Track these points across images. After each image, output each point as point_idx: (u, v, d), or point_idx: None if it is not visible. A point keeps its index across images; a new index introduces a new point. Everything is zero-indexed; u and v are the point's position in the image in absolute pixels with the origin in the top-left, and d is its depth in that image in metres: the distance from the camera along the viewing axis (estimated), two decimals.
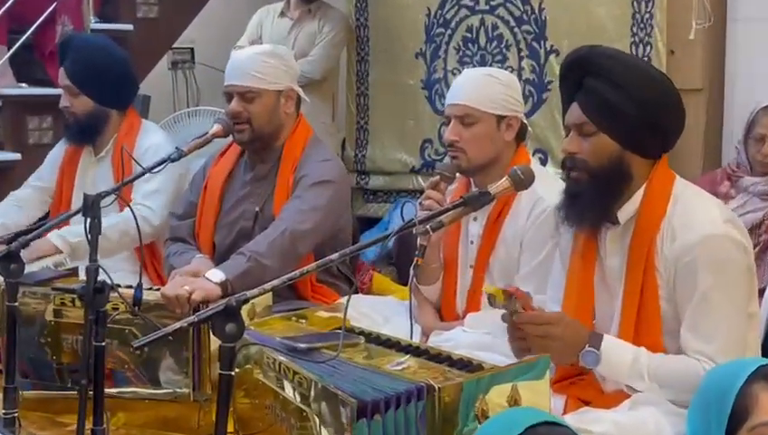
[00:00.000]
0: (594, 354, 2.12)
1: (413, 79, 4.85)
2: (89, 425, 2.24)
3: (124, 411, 2.58)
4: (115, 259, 3.25)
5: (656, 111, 2.19)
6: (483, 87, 2.75)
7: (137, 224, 2.37)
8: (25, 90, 4.47)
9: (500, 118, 2.74)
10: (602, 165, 2.19)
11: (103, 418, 2.25)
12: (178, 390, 2.51)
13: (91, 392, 2.22)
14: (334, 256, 2.02)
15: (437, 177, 2.77)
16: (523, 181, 2.25)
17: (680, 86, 4.04)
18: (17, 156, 4.26)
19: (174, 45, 5.61)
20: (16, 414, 2.55)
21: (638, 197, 2.23)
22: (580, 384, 2.30)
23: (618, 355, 2.14)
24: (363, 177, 5.14)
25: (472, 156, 2.73)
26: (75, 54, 3.47)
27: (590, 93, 2.19)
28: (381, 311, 2.88)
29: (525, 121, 2.82)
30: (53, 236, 3.25)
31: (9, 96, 4.36)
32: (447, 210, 2.16)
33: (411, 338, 2.51)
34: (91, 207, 2.18)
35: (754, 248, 3.53)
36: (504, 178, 2.25)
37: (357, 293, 3.25)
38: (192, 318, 1.91)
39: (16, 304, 2.53)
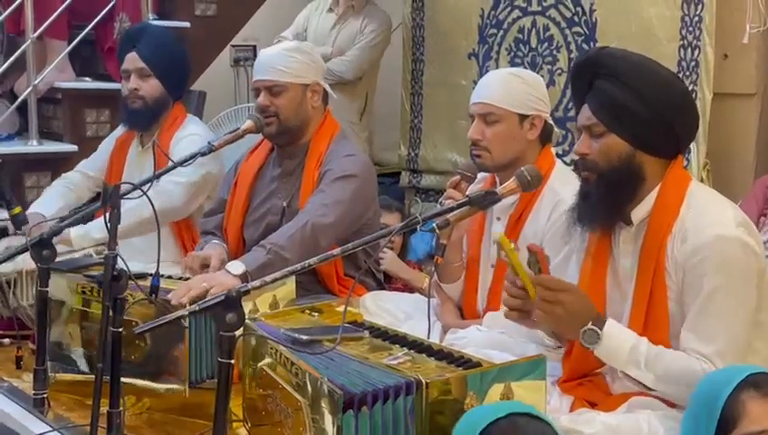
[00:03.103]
0: (595, 333, 2.11)
1: (465, 79, 4.86)
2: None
3: (150, 397, 2.67)
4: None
5: (665, 110, 2.18)
6: (505, 86, 2.76)
7: (153, 209, 2.40)
8: (83, 83, 4.61)
9: (522, 117, 2.75)
10: (612, 165, 2.19)
11: (119, 401, 2.33)
12: (175, 386, 2.57)
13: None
14: (336, 250, 2.06)
15: (458, 176, 2.79)
16: (530, 182, 2.26)
17: (733, 90, 4.10)
18: (74, 147, 4.39)
19: (237, 43, 5.73)
20: (45, 395, 2.66)
21: (651, 198, 2.22)
22: (588, 386, 2.30)
23: (618, 339, 2.13)
24: (416, 175, 5.17)
25: (495, 155, 2.74)
26: (151, 39, 3.56)
27: (599, 94, 2.20)
28: (404, 307, 2.91)
29: (551, 122, 2.82)
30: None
31: (68, 89, 4.50)
32: (452, 209, 2.18)
33: (429, 336, 2.54)
34: (111, 197, 2.25)
35: None
36: (512, 179, 2.27)
37: (382, 288, 3.28)
38: (194, 307, 1.97)
39: (47, 289, 2.64)
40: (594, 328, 2.11)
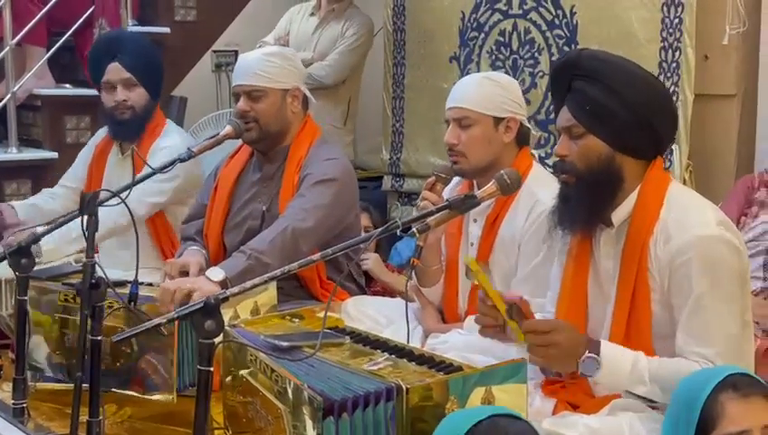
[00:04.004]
0: (594, 361, 2.08)
1: (447, 83, 4.83)
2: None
3: (131, 405, 2.65)
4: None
5: (644, 111, 2.17)
6: (478, 90, 2.77)
7: (131, 214, 2.39)
8: (62, 90, 4.58)
9: (497, 120, 2.75)
10: (591, 166, 2.18)
11: (99, 410, 2.31)
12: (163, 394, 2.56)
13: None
14: (315, 256, 2.05)
15: (433, 178, 2.79)
16: (510, 185, 2.25)
17: (714, 92, 4.11)
18: (54, 155, 4.36)
19: (219, 48, 5.72)
20: (25, 405, 2.62)
21: (632, 199, 2.22)
22: (571, 388, 2.29)
23: (617, 361, 2.10)
24: (398, 179, 5.17)
25: (472, 158, 2.74)
26: (130, 47, 3.53)
27: (578, 95, 2.20)
28: (386, 312, 2.90)
29: (527, 124, 2.82)
30: None
31: (48, 96, 4.48)
32: (432, 213, 2.17)
33: (408, 340, 2.53)
34: (88, 205, 2.23)
35: None
36: (491, 183, 2.26)
37: (364, 293, 3.27)
38: (172, 314, 1.95)
39: (26, 297, 2.61)
40: (592, 355, 2.08)
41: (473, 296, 2.75)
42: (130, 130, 3.52)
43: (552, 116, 4.36)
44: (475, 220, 2.79)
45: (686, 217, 2.16)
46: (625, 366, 2.10)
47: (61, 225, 2.60)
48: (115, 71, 3.49)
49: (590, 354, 2.09)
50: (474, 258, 2.12)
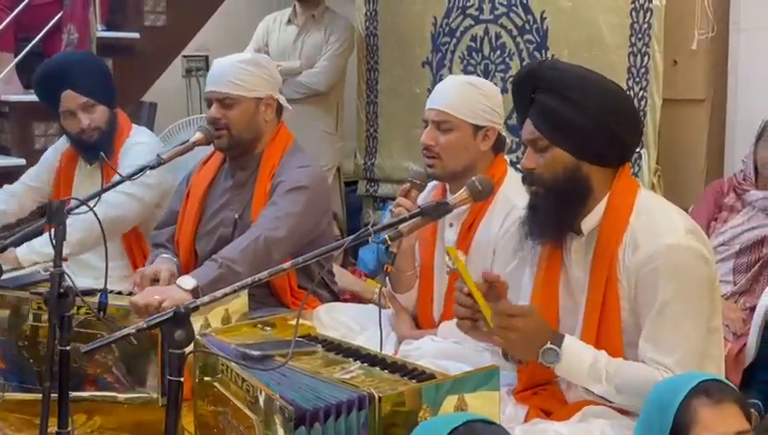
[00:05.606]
0: (554, 352, 2.10)
1: (420, 87, 4.86)
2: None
3: (100, 415, 2.62)
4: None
5: (605, 118, 2.16)
6: (463, 95, 2.74)
7: (100, 224, 2.37)
8: (31, 96, 4.50)
9: (477, 128, 2.74)
10: (558, 177, 2.18)
11: (67, 421, 2.28)
12: (149, 395, 2.53)
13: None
14: (286, 264, 2.03)
15: (408, 184, 2.78)
16: (481, 192, 2.24)
17: (683, 96, 4.14)
18: (22, 161, 4.31)
19: (189, 53, 5.70)
20: None
21: (600, 207, 2.21)
22: (543, 395, 2.29)
23: (577, 356, 2.12)
24: (372, 184, 5.16)
25: (447, 162, 2.73)
26: (78, 69, 3.46)
27: (540, 107, 2.19)
28: (359, 319, 2.88)
29: (503, 133, 2.81)
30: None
31: (16, 102, 4.43)
32: (405, 220, 2.17)
33: (381, 347, 2.52)
34: (56, 214, 2.20)
35: (754, 265, 3.50)
36: (463, 189, 2.25)
37: (337, 299, 3.26)
38: (141, 324, 1.93)
39: None
40: (553, 347, 2.10)
41: (448, 301, 2.75)
42: (104, 148, 3.42)
43: None
44: (450, 225, 2.78)
45: (654, 225, 2.16)
46: (584, 362, 2.12)
47: (28, 234, 2.57)
48: (71, 98, 3.42)
49: (551, 345, 2.11)
50: (454, 247, 2.11)
